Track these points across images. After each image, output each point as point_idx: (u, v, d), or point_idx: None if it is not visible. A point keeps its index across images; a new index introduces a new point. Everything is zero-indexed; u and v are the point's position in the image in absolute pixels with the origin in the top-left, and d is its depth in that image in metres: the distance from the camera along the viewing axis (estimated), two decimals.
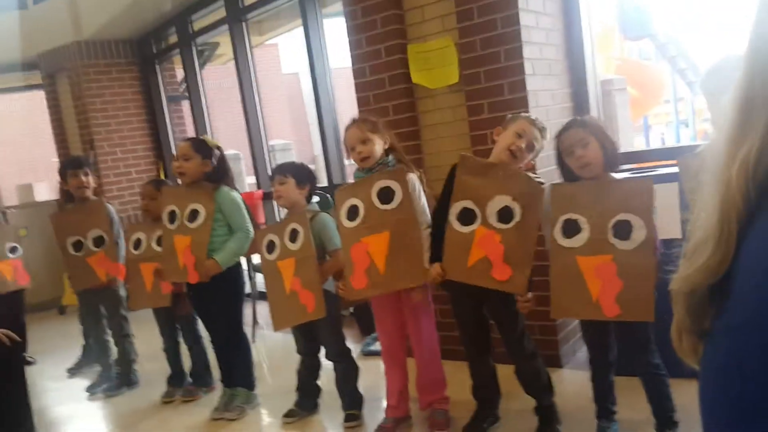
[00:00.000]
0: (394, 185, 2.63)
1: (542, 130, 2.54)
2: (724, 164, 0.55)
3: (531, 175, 2.53)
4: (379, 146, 2.70)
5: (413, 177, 2.67)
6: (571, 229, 2.32)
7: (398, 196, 2.62)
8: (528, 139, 2.49)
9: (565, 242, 2.33)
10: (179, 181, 3.29)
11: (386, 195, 2.64)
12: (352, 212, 2.71)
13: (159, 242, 3.55)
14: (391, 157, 2.75)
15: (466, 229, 2.49)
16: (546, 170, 3.33)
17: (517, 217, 2.43)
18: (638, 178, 2.39)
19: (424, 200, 2.70)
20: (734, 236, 0.55)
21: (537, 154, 2.58)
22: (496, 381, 2.72)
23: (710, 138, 0.62)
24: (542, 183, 2.50)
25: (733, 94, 0.56)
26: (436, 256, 2.56)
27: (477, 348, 2.67)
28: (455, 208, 2.51)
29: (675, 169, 2.52)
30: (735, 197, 0.54)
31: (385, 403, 2.94)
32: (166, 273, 3.28)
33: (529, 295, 2.43)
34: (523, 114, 2.62)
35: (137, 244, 3.68)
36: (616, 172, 2.45)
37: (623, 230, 2.22)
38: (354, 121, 2.76)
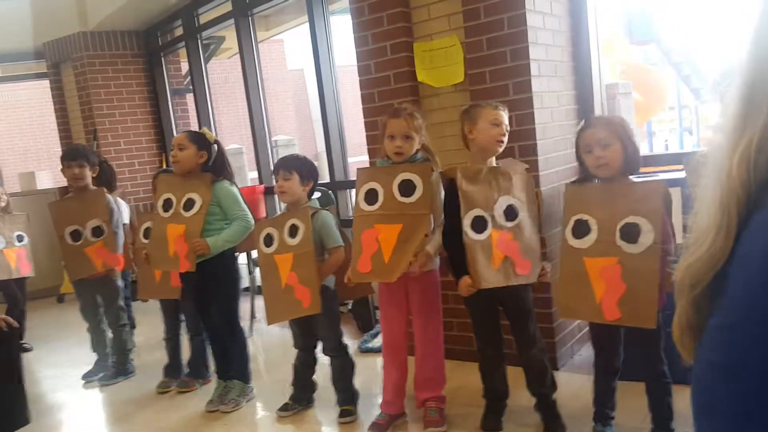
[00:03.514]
0: (417, 180, 2.63)
1: (504, 109, 2.61)
2: (726, 155, 0.56)
3: (516, 165, 2.62)
4: (415, 146, 2.70)
5: (437, 177, 2.67)
6: (581, 229, 2.33)
7: (418, 191, 2.62)
8: (504, 124, 2.57)
9: (575, 243, 2.33)
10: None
11: (407, 187, 2.64)
12: (371, 196, 2.71)
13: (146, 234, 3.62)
14: (420, 155, 2.74)
15: (482, 236, 2.51)
16: (563, 168, 3.33)
17: (520, 212, 2.54)
18: (651, 181, 2.37)
19: (441, 200, 2.68)
20: (734, 226, 0.55)
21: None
22: (506, 380, 2.73)
23: (714, 134, 0.62)
24: (525, 168, 2.64)
25: (735, 87, 0.56)
26: (458, 270, 2.57)
27: (492, 345, 2.67)
28: (467, 219, 2.53)
29: (678, 175, 2.52)
30: (735, 187, 0.54)
31: (380, 400, 2.94)
32: (153, 260, 3.26)
33: (546, 265, 2.56)
34: (480, 103, 2.67)
35: (146, 233, 3.68)
36: (635, 174, 2.42)
37: (631, 233, 2.21)
38: (403, 113, 2.69)
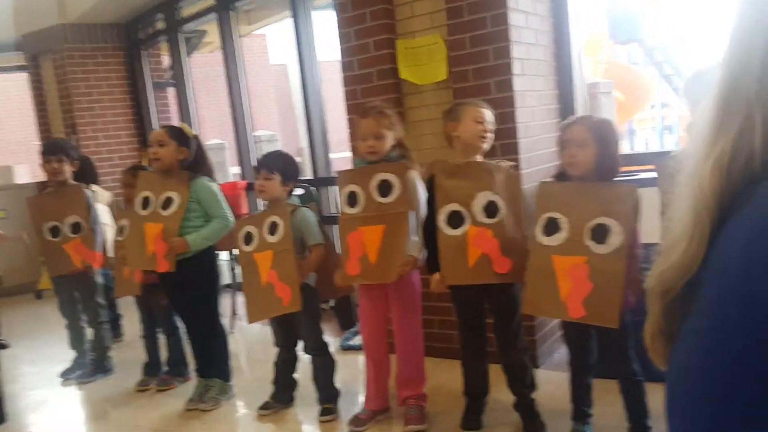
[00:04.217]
0: (394, 179, 2.63)
1: (486, 107, 2.61)
2: (699, 162, 0.56)
3: (502, 163, 2.59)
4: (389, 143, 2.69)
5: (414, 174, 2.67)
6: (551, 227, 2.34)
7: (396, 191, 2.63)
8: (488, 121, 2.56)
9: (544, 240, 2.35)
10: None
11: (385, 187, 2.65)
12: (352, 198, 2.72)
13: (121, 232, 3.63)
14: (395, 153, 2.73)
15: (457, 232, 2.51)
16: (545, 167, 3.34)
17: (502, 209, 2.49)
18: (623, 184, 2.40)
19: (422, 197, 2.68)
20: (707, 235, 0.55)
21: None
22: (488, 378, 2.73)
23: (687, 140, 0.63)
24: (513, 165, 2.62)
25: (711, 96, 0.56)
26: (433, 266, 2.57)
27: (476, 343, 2.68)
28: (443, 214, 2.53)
29: (655, 174, 2.53)
30: (708, 195, 0.55)
31: (362, 397, 2.94)
32: (130, 260, 3.23)
33: None
34: (463, 101, 2.67)
35: (121, 231, 3.68)
36: (609, 180, 2.42)
37: (601, 234, 2.23)
38: (372, 112, 2.69)
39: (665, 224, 0.62)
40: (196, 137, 3.20)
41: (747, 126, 0.52)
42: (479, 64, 3.16)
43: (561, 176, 2.44)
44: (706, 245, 0.56)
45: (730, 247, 0.53)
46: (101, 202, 4.08)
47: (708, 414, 0.53)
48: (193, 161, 3.16)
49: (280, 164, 2.93)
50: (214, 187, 3.16)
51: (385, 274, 2.66)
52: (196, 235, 3.05)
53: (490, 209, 2.50)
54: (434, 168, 2.57)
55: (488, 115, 2.58)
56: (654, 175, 2.48)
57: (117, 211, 3.99)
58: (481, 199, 2.50)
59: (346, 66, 3.61)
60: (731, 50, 0.55)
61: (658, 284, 0.61)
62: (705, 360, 0.54)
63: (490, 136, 2.58)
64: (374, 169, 2.67)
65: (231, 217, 3.13)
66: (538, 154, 3.29)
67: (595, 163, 2.29)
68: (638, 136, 13.69)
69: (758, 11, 0.52)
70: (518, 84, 3.12)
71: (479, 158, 2.60)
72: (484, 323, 2.68)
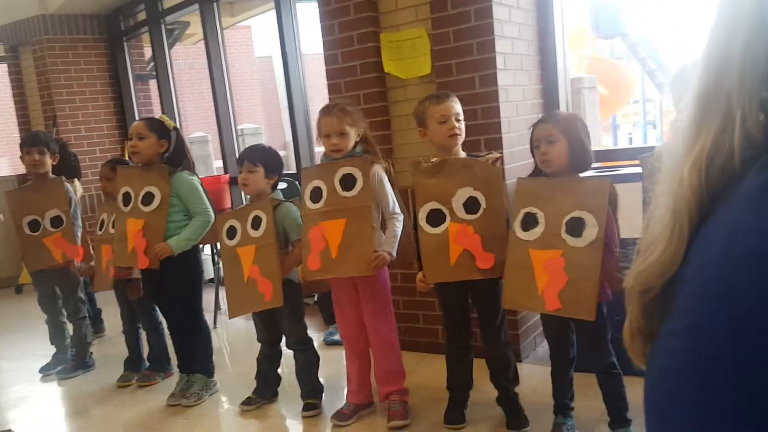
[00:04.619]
0: (357, 173, 2.63)
1: (449, 97, 2.56)
2: (679, 162, 0.55)
3: (483, 157, 2.58)
4: (353, 140, 2.69)
5: (378, 168, 2.67)
6: (529, 222, 2.36)
7: (359, 185, 2.63)
8: (453, 115, 2.52)
9: (522, 235, 2.37)
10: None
11: (348, 182, 2.65)
12: (315, 194, 2.71)
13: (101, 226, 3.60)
14: (359, 149, 2.73)
15: (438, 230, 2.51)
16: (529, 162, 3.34)
17: (483, 204, 2.49)
18: (597, 178, 2.41)
19: (390, 191, 2.69)
20: (686, 234, 0.55)
21: (462, 117, 2.59)
22: (471, 373, 2.73)
23: (668, 137, 0.62)
24: (499, 157, 2.60)
25: (691, 94, 0.55)
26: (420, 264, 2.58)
27: (460, 338, 2.68)
28: (423, 212, 2.54)
29: (639, 169, 2.55)
30: (687, 195, 0.54)
31: (346, 392, 2.94)
32: (115, 257, 3.20)
33: None
34: (423, 102, 2.60)
35: (101, 225, 3.64)
36: (584, 172, 2.45)
37: (576, 227, 2.25)
38: (333, 110, 2.69)
39: (645, 222, 0.62)
40: (176, 129, 3.16)
41: (726, 124, 0.52)
42: (463, 59, 3.15)
43: (537, 175, 2.46)
44: (685, 244, 0.55)
45: (710, 246, 0.52)
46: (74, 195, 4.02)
47: (687, 415, 0.53)
48: (173, 154, 3.13)
49: (264, 157, 2.91)
50: (195, 181, 3.12)
51: (347, 268, 2.65)
52: (179, 237, 3.02)
53: (471, 205, 2.49)
54: (414, 170, 2.57)
55: (452, 108, 2.53)
56: (638, 170, 2.50)
57: (96, 205, 3.94)
58: (461, 195, 2.50)
59: (330, 59, 3.58)
60: (710, 48, 0.54)
61: (637, 283, 0.61)
62: (684, 360, 0.53)
63: (458, 131, 2.53)
64: (338, 164, 2.68)
65: (211, 213, 3.10)
66: (521, 149, 3.29)
67: (568, 158, 2.32)
68: (622, 131, 13.79)
69: (737, 9, 0.52)
70: (502, 79, 3.12)
71: (462, 153, 2.60)
72: (469, 318, 2.68)
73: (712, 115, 0.54)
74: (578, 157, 2.34)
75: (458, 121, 2.55)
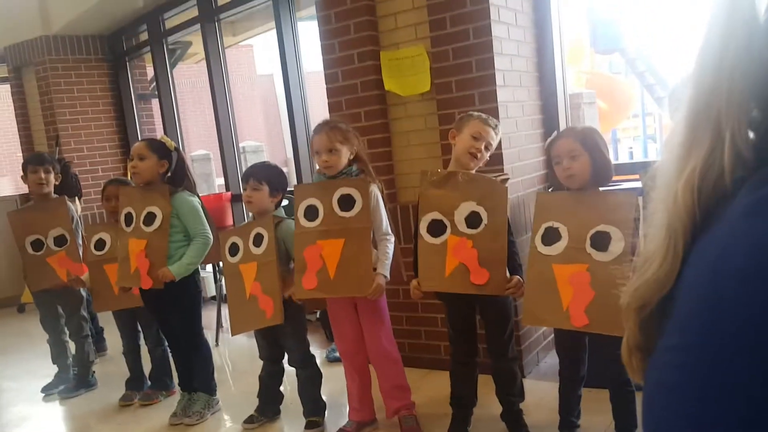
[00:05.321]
0: (356, 194, 2.65)
1: (495, 127, 2.60)
2: (672, 180, 0.56)
3: (491, 175, 2.59)
4: (345, 157, 2.70)
5: (375, 189, 2.69)
6: (551, 237, 2.33)
7: (358, 206, 2.64)
8: (486, 141, 2.55)
9: (544, 250, 2.34)
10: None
11: (346, 202, 2.65)
12: (310, 212, 2.71)
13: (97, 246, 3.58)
14: (354, 167, 2.74)
15: (437, 240, 2.52)
16: (529, 177, 3.37)
17: (485, 221, 2.48)
18: (624, 192, 2.39)
19: (384, 211, 2.71)
20: (680, 251, 0.56)
21: (492, 149, 2.63)
22: (476, 388, 2.72)
23: (661, 157, 0.63)
24: (506, 178, 2.59)
25: (681, 113, 0.56)
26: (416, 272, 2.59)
27: (465, 352, 2.67)
28: (424, 222, 2.55)
29: (640, 184, 2.55)
30: (681, 213, 0.55)
31: (348, 410, 2.93)
32: (118, 277, 3.21)
33: (514, 280, 2.47)
34: (474, 114, 2.65)
35: (101, 244, 3.59)
36: (605, 186, 2.43)
37: (601, 241, 2.22)
38: (324, 127, 2.71)
39: (641, 241, 0.63)
40: (177, 149, 3.18)
41: (716, 144, 0.53)
42: (462, 76, 3.18)
43: (556, 190, 2.46)
44: (680, 261, 0.56)
45: (701, 264, 0.53)
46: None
47: (682, 430, 0.53)
48: (174, 174, 3.14)
49: (268, 175, 2.93)
50: (195, 202, 3.13)
51: (345, 288, 2.66)
52: (180, 263, 3.03)
53: (473, 220, 2.50)
54: (421, 176, 2.58)
55: (490, 133, 2.56)
56: (639, 185, 2.50)
57: (88, 225, 3.93)
58: (464, 209, 2.50)
59: (331, 77, 3.61)
60: (700, 69, 0.55)
61: (633, 299, 0.62)
62: (679, 376, 0.54)
63: (482, 155, 2.56)
64: (336, 184, 2.69)
65: (209, 234, 3.11)
66: (521, 165, 3.31)
67: (591, 171, 2.31)
68: (622, 145, 13.82)
69: (726, 29, 0.53)
70: (501, 95, 3.14)
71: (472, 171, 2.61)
72: (475, 332, 2.67)
73: (703, 135, 0.55)
74: (601, 170, 2.32)
75: (486, 148, 2.57)
